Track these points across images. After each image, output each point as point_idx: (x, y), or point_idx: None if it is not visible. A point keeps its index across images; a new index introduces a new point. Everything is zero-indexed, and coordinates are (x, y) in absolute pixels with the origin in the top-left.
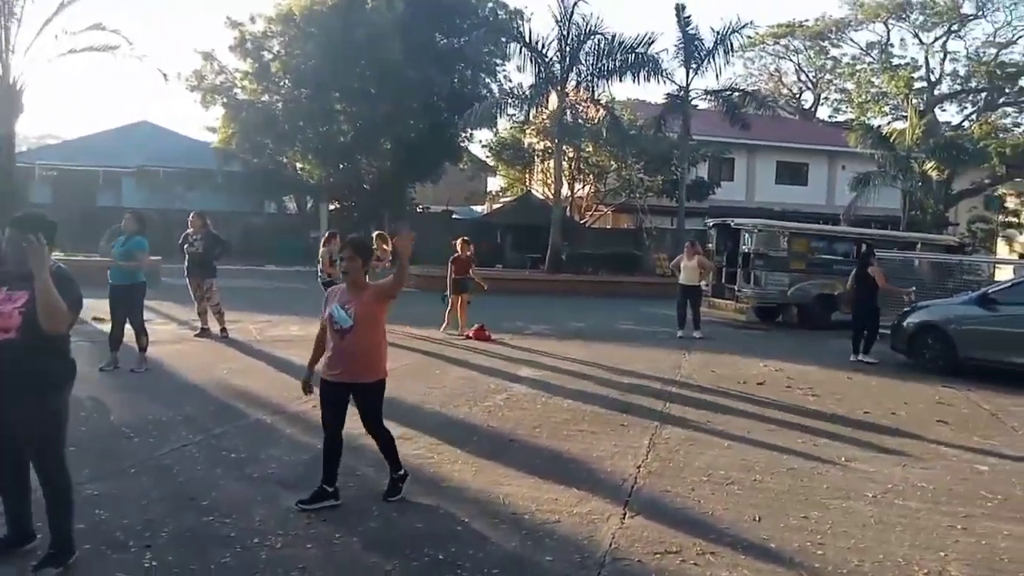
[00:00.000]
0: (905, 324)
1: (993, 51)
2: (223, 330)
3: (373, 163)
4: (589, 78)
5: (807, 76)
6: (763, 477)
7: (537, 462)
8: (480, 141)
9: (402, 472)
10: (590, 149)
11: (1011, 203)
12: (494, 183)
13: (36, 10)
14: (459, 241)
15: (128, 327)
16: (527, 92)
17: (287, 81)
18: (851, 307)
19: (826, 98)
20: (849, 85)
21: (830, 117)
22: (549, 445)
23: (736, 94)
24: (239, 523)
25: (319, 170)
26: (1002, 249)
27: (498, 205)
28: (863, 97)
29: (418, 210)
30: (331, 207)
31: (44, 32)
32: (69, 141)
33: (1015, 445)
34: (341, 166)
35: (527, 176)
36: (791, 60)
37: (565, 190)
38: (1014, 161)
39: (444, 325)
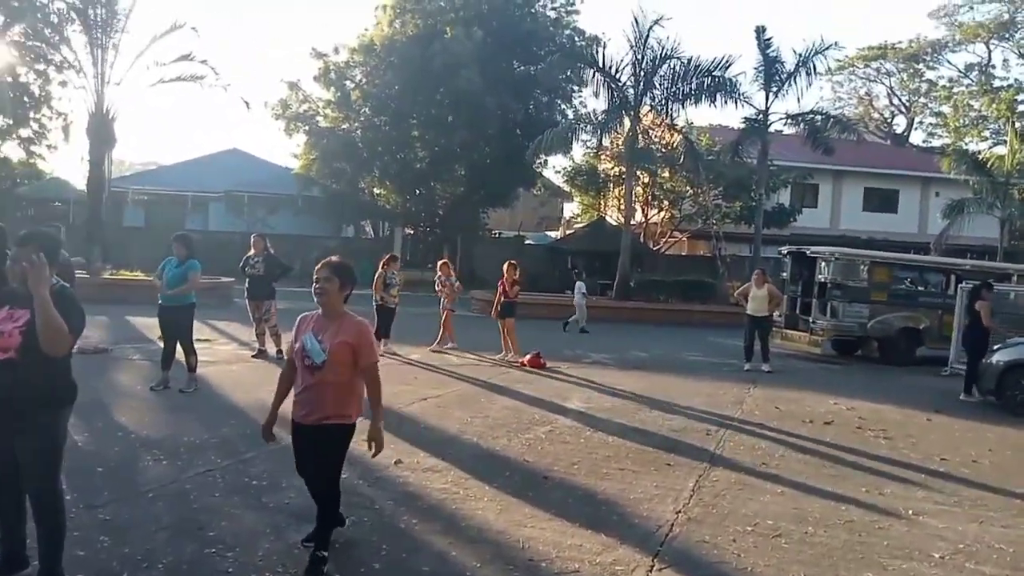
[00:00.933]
0: (994, 362)
1: None
2: (279, 351)
3: (447, 189)
4: (664, 102)
5: (900, 100)
6: (816, 529)
7: (569, 502)
8: (554, 167)
9: (325, 554)
10: (666, 175)
11: None
12: (570, 208)
13: (129, 42)
14: (506, 265)
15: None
16: (600, 117)
17: (367, 109)
18: (964, 342)
19: (920, 122)
20: (945, 109)
21: (924, 142)
22: (585, 484)
23: (819, 117)
24: (240, 556)
25: (395, 196)
26: None
27: (570, 231)
28: (960, 121)
29: (493, 235)
30: (406, 232)
31: (137, 64)
32: (164, 167)
33: None
34: (417, 192)
35: (601, 202)
36: (883, 83)
37: (639, 216)
38: None
39: (502, 353)
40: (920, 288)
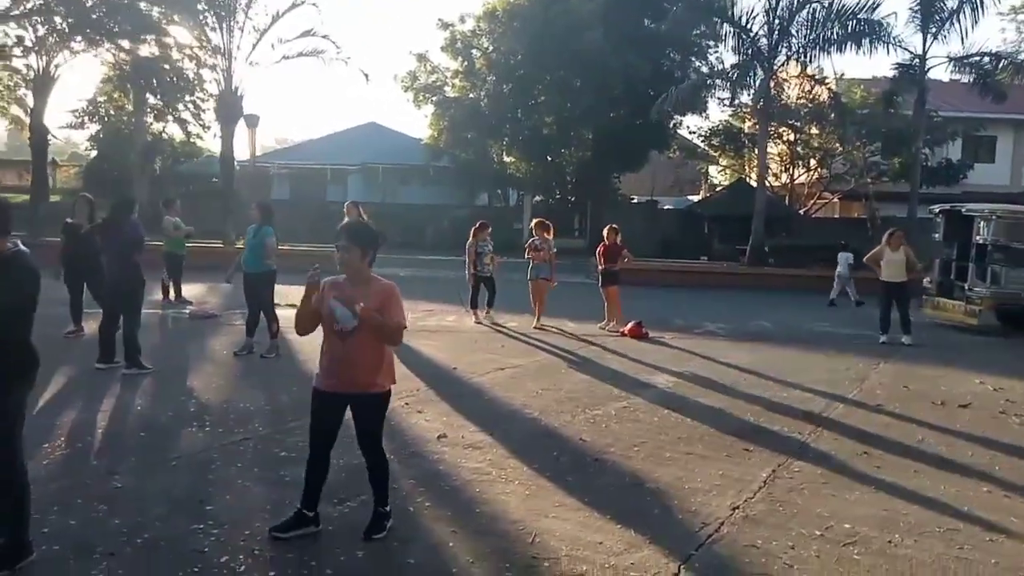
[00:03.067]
0: None
1: None
2: None
3: (576, 154)
4: (803, 51)
5: None
6: (904, 538)
7: (610, 490)
8: (689, 127)
9: (388, 509)
10: (815, 131)
11: None
12: (715, 170)
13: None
14: (607, 229)
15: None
16: (732, 73)
17: (493, 77)
18: None
19: None
20: None
21: None
22: (638, 469)
23: (987, 59)
24: (224, 535)
25: (524, 163)
26: None
27: (707, 194)
28: None
29: (632, 200)
30: (536, 199)
31: (263, 41)
32: (307, 142)
33: None
34: (547, 158)
35: (743, 163)
36: None
37: (784, 177)
38: None
39: (604, 321)
40: None
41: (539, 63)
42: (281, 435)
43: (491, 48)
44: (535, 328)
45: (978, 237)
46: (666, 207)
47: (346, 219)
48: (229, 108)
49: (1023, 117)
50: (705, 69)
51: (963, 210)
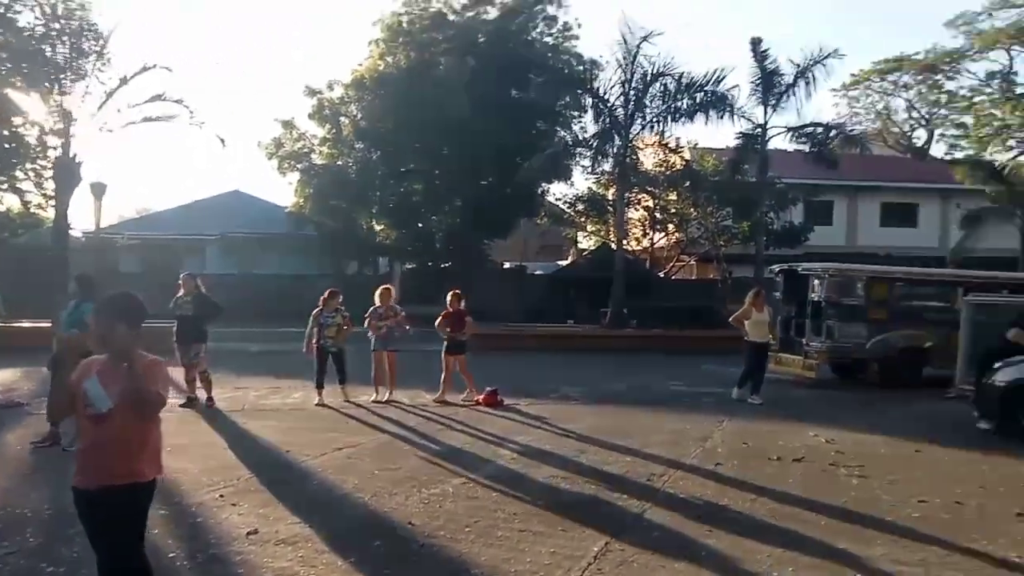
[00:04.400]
0: (995, 382)
1: None
2: (209, 399)
3: (446, 220)
4: (656, 122)
5: (919, 113)
6: None
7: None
8: (554, 194)
9: None
10: (672, 197)
11: None
12: (581, 236)
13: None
14: (450, 295)
15: None
16: (592, 140)
17: (360, 144)
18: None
19: (942, 135)
20: (967, 119)
21: (946, 154)
22: (465, 552)
23: (820, 130)
24: None
25: (393, 230)
26: None
27: (574, 259)
28: (983, 131)
29: (503, 266)
30: (407, 266)
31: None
32: (161, 212)
33: None
34: (417, 225)
35: (607, 228)
36: (900, 96)
37: (644, 241)
38: None
39: (465, 392)
40: (924, 304)
41: (407, 130)
42: (56, 545)
43: (359, 115)
44: (376, 402)
45: (813, 294)
46: (536, 272)
47: (180, 292)
48: (66, 175)
49: (855, 183)
50: (569, 138)
51: (799, 269)
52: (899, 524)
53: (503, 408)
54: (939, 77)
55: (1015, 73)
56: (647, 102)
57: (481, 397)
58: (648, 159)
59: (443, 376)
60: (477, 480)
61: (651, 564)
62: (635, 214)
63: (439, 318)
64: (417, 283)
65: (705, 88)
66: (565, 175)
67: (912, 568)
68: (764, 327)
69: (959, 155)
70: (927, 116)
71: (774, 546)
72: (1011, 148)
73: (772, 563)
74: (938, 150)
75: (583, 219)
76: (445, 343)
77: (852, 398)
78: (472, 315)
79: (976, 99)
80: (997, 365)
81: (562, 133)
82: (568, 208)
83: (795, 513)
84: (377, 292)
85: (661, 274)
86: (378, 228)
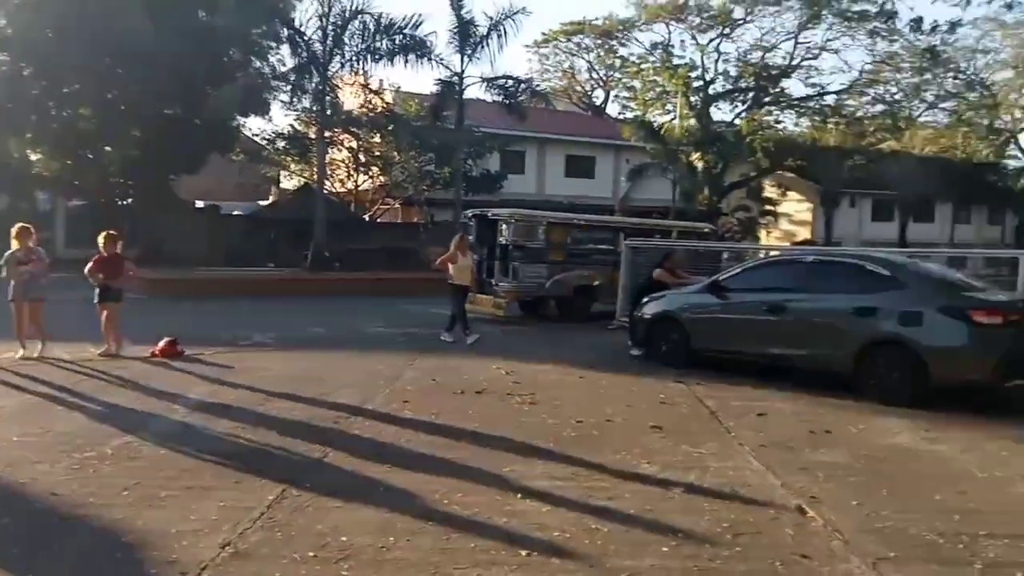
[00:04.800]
0: (643, 315)
1: (759, 54)
2: None
3: (122, 152)
4: (356, 60)
5: (598, 74)
6: (397, 540)
7: (75, 551)
8: (251, 130)
9: None
10: (377, 139)
11: (771, 193)
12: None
13: None
14: (102, 237)
15: None
16: (290, 75)
17: (4, 54)
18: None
19: (616, 96)
20: (636, 83)
21: (620, 114)
22: (120, 518)
23: (511, 82)
24: None
25: (55, 160)
26: (763, 237)
27: (269, 200)
28: (648, 95)
29: (194, 205)
30: (73, 202)
31: None
32: None
33: (723, 454)
34: (88, 156)
35: (311, 168)
36: (583, 58)
37: (350, 183)
38: (776, 155)
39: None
40: (594, 247)
41: (70, 45)
42: None
43: (3, 21)
44: (25, 359)
45: (501, 238)
46: (233, 212)
47: None
48: None
49: (543, 135)
50: (267, 70)
51: (489, 215)
52: (559, 444)
53: (183, 359)
54: (614, 43)
55: (672, 46)
56: (346, 39)
57: (158, 348)
58: (351, 99)
59: (104, 328)
60: (141, 440)
61: (326, 507)
62: (339, 155)
63: (90, 263)
64: (89, 222)
65: (404, 31)
66: (262, 109)
67: (565, 482)
68: (468, 271)
69: (629, 115)
70: (604, 77)
71: (448, 477)
72: (669, 112)
73: (445, 492)
74: (614, 109)
75: (285, 158)
76: (97, 291)
77: (534, 333)
78: (156, 258)
79: (643, 66)
80: (644, 300)
81: (258, 64)
82: (268, 145)
83: (472, 443)
84: (13, 232)
85: (366, 217)
86: (34, 157)
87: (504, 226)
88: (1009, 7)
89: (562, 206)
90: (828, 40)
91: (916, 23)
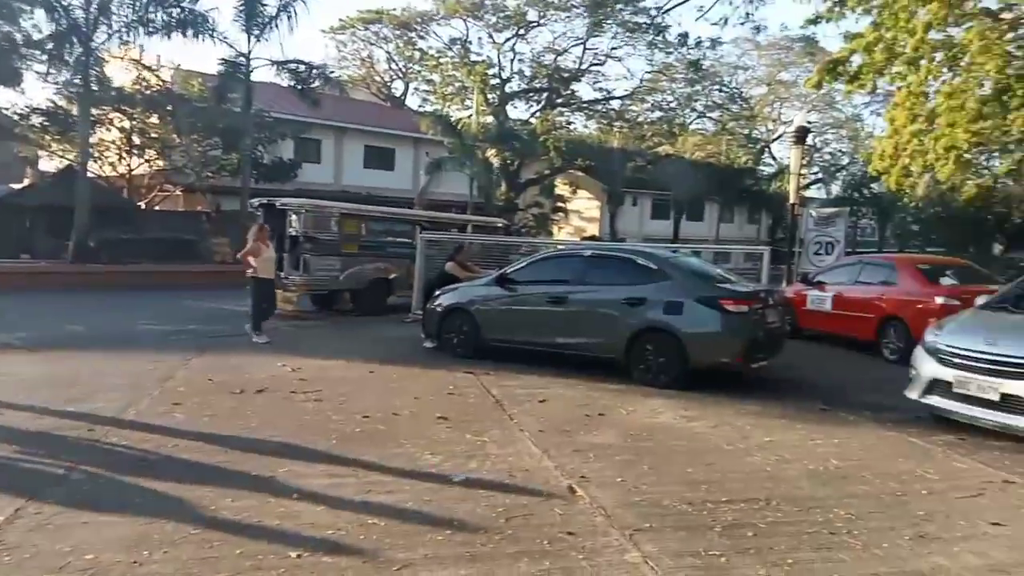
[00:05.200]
0: (435, 307)
1: (552, 57)
2: None
3: None
4: (126, 32)
5: (398, 65)
6: (153, 553)
7: None
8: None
9: None
10: (154, 120)
11: (563, 190)
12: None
13: None
14: None
15: None
16: (47, 42)
17: None
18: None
19: (416, 88)
20: (435, 77)
21: (420, 107)
22: None
23: (304, 67)
24: None
25: None
26: (555, 232)
27: (25, 183)
28: (447, 90)
29: None
30: None
31: None
32: None
33: (504, 441)
34: None
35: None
36: (382, 48)
37: (122, 166)
38: (568, 155)
39: None
40: (390, 239)
41: None
42: None
43: None
44: None
45: (291, 229)
46: None
47: None
48: None
49: (341, 124)
50: (19, 36)
51: (278, 204)
52: (342, 441)
53: None
54: (413, 35)
55: (470, 42)
56: (113, 8)
57: None
58: (123, 75)
59: None
60: None
61: (71, 523)
62: (109, 135)
63: None
64: None
65: (181, 3)
66: (13, 80)
67: (344, 479)
68: (272, 264)
69: (430, 108)
70: (404, 69)
71: (218, 482)
72: (468, 107)
73: (212, 498)
74: (413, 102)
75: (42, 136)
76: None
77: (326, 327)
78: None
79: (442, 60)
80: (437, 292)
81: (7, 28)
82: (21, 121)
83: (247, 445)
84: None
85: (141, 204)
86: None
87: (294, 216)
88: (757, 30)
89: (360, 197)
90: (613, 48)
91: (683, 38)
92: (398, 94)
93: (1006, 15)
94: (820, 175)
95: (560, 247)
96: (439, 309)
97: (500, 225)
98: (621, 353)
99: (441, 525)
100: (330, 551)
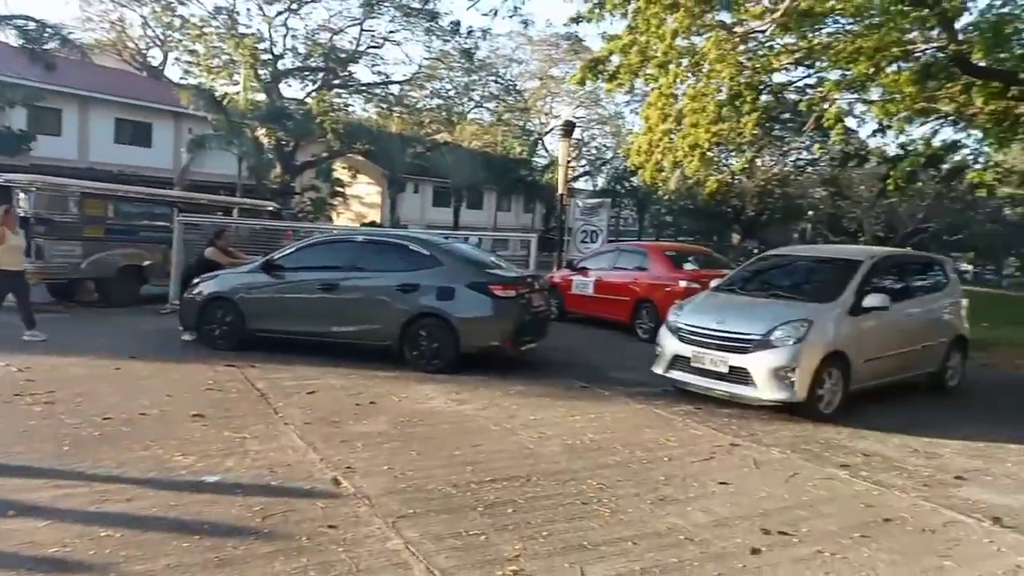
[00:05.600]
0: (193, 296)
1: (328, 35)
2: None
3: None
4: None
5: (154, 32)
6: None
7: None
8: None
9: None
10: None
11: (342, 175)
12: None
13: None
14: None
15: None
16: None
17: None
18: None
19: (178, 59)
20: (199, 48)
21: (181, 78)
22: None
23: (34, 24)
24: None
25: None
26: (335, 218)
27: None
28: (212, 62)
29: None
30: None
31: None
32: None
33: (266, 436)
34: None
35: None
36: (135, 11)
37: None
38: (346, 138)
39: None
40: (143, 222)
41: None
42: None
43: None
44: None
45: (20, 210)
46: None
47: None
48: None
49: (86, 93)
50: None
51: (1, 180)
52: (75, 447)
53: None
54: (173, 1)
55: (238, 13)
56: None
57: None
58: None
59: None
60: None
61: None
62: None
63: None
64: None
65: None
66: None
67: (74, 490)
68: (20, 252)
69: (193, 81)
70: (162, 37)
71: None
72: (237, 82)
73: None
74: (174, 73)
75: None
76: None
77: (65, 321)
78: None
79: (206, 30)
80: (196, 280)
81: None
82: None
83: None
84: None
85: None
86: None
87: (22, 195)
88: (525, 24)
89: (111, 176)
90: (391, 31)
91: (455, 25)
92: (156, 63)
93: (738, 29)
94: (588, 168)
95: (336, 233)
96: (198, 298)
97: (270, 209)
98: (396, 340)
99: (188, 531)
100: (52, 570)
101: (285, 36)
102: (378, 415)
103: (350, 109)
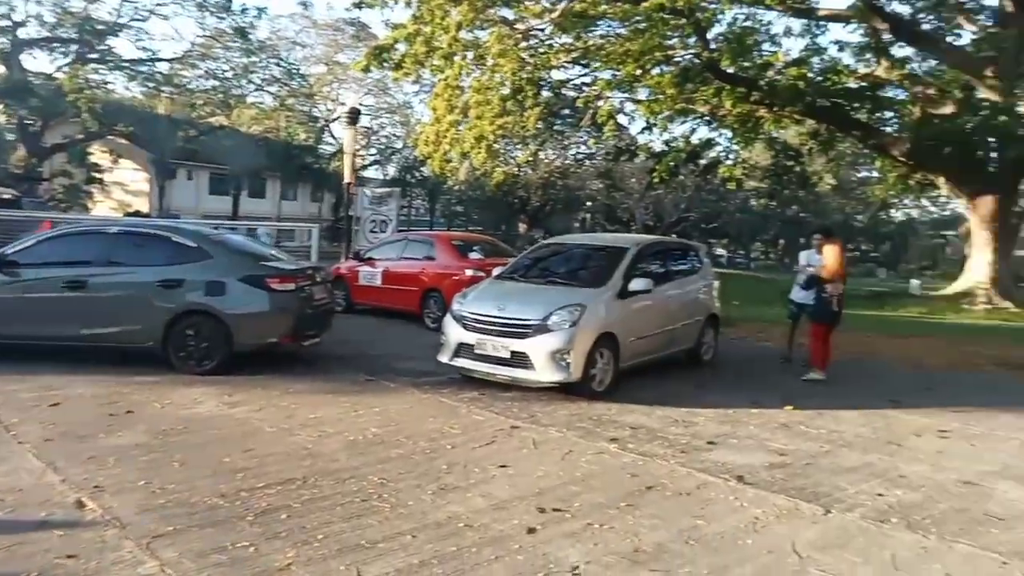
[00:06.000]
0: None
1: (82, 4)
2: None
3: None
4: None
5: None
6: None
7: None
8: None
9: None
10: None
11: (102, 159)
12: None
13: None
14: None
15: None
16: None
17: None
18: None
19: None
20: None
21: None
22: None
23: None
24: None
25: None
26: (95, 207)
27: None
28: None
29: None
30: None
31: None
32: None
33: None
34: None
35: None
36: None
37: None
38: (106, 119)
39: None
40: None
41: None
42: None
43: None
44: None
45: None
46: None
47: None
48: None
49: None
50: None
51: None
52: None
53: None
54: None
55: None
56: None
57: None
58: None
59: None
60: None
61: None
62: None
63: None
64: None
65: None
66: None
67: None
68: None
69: None
70: None
71: None
72: None
73: None
74: None
75: None
76: None
77: None
78: None
79: None
80: None
81: None
82: None
83: None
84: None
85: None
86: None
87: None
88: (305, 6)
89: None
90: (158, 4)
91: (227, 2)
92: None
93: (520, 25)
94: (378, 157)
95: (86, 224)
96: None
97: (9, 197)
98: (158, 340)
99: None
100: None
101: (28, 2)
102: (135, 425)
103: (110, 87)
